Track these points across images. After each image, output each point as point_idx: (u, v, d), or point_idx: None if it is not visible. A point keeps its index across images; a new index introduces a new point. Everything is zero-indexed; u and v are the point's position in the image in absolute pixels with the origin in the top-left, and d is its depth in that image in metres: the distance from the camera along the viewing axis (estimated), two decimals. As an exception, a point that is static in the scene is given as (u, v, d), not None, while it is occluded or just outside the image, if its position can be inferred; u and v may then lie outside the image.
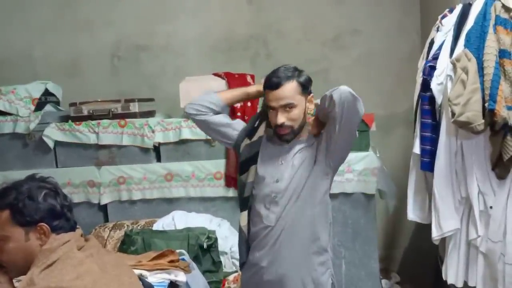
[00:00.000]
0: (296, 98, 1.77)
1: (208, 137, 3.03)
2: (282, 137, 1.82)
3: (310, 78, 1.84)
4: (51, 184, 1.47)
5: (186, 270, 2.18)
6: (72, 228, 1.47)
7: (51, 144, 3.14)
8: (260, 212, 1.86)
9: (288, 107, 1.76)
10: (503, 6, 2.03)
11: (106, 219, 3.15)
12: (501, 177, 2.07)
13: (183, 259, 2.28)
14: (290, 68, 1.80)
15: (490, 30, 2.00)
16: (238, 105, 3.00)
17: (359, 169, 2.87)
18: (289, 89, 1.75)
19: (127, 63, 3.90)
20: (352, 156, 2.88)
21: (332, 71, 3.76)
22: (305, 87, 1.81)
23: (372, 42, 3.71)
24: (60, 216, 1.44)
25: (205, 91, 2.00)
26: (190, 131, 3.06)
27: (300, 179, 1.82)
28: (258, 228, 1.86)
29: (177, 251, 2.32)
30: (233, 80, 3.08)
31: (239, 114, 3.00)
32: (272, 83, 1.76)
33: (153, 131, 3.08)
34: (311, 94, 1.85)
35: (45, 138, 3.12)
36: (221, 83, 3.09)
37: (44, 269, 1.36)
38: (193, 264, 2.38)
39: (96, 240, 1.54)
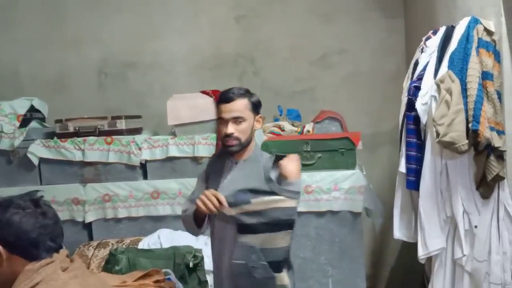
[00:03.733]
0: (246, 113, 1.92)
1: (196, 155, 3.04)
2: (229, 148, 1.93)
3: (260, 101, 2.00)
4: (31, 208, 1.41)
5: (172, 290, 2.16)
6: (56, 250, 1.44)
7: (35, 161, 3.10)
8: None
9: (238, 120, 1.90)
10: (485, 29, 2.09)
11: (91, 238, 3.11)
12: (485, 196, 2.10)
13: (168, 279, 2.26)
14: (243, 88, 1.98)
15: (473, 52, 2.04)
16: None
17: (345, 187, 2.88)
18: (240, 104, 1.91)
19: (114, 80, 3.90)
20: (339, 174, 2.89)
21: (318, 89, 3.80)
22: (255, 106, 1.96)
23: (358, 62, 3.76)
24: (36, 245, 1.40)
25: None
26: (177, 149, 3.05)
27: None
28: None
29: (163, 270, 2.30)
30: (221, 98, 3.09)
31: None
32: (226, 97, 1.92)
33: (139, 148, 3.07)
34: (259, 115, 2.00)
35: (29, 155, 3.08)
36: (209, 101, 3.09)
37: None
38: (179, 284, 2.36)
39: (81, 261, 1.51)
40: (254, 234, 1.88)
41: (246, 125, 1.92)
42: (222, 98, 1.93)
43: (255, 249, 1.87)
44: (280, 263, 1.91)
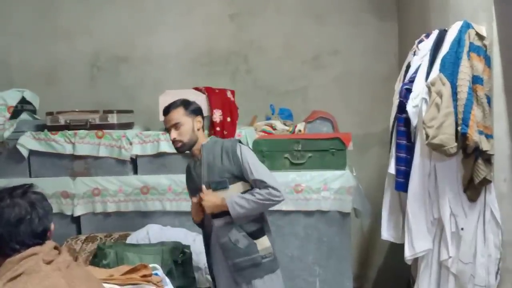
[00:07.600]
0: (182, 119, 2.24)
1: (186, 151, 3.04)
2: (178, 150, 2.29)
3: (199, 107, 2.32)
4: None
5: (159, 285, 2.15)
6: (38, 243, 1.43)
7: (25, 153, 3.08)
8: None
9: (176, 126, 2.23)
10: (477, 34, 2.11)
11: (79, 231, 3.09)
12: (472, 199, 2.12)
13: (156, 274, 2.25)
14: (179, 100, 2.30)
15: (464, 56, 2.06)
16: (217, 119, 3.01)
17: (335, 188, 2.89)
18: (176, 113, 2.25)
19: (106, 74, 3.88)
20: (329, 174, 2.91)
21: (310, 89, 3.82)
22: (192, 111, 2.27)
23: (350, 63, 3.78)
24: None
25: None
26: (168, 144, 3.03)
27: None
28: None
29: (150, 265, 2.29)
30: (214, 95, 3.09)
31: (218, 129, 3.01)
32: (164, 110, 2.28)
33: (130, 143, 3.06)
34: (199, 116, 2.30)
35: (19, 147, 3.06)
36: (202, 98, 3.09)
37: (7, 281, 1.32)
38: (166, 280, 2.35)
39: (68, 254, 1.50)
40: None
41: (185, 128, 2.23)
42: (163, 112, 2.27)
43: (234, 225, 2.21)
44: (256, 232, 2.22)
